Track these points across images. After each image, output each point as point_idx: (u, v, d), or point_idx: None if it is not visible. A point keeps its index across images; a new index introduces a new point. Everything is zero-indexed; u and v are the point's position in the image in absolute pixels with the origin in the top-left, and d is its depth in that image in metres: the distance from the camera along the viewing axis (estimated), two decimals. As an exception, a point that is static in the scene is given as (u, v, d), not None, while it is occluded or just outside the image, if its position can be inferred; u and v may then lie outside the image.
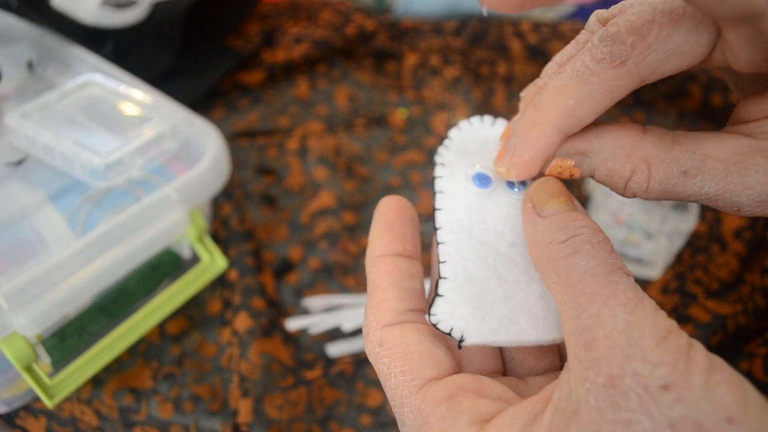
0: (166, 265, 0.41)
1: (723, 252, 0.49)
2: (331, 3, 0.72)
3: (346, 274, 0.49)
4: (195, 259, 0.42)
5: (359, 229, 0.52)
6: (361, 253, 0.51)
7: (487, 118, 0.27)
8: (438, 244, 0.23)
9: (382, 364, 0.22)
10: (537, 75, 0.25)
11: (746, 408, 0.16)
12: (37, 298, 0.33)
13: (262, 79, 0.64)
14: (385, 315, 0.23)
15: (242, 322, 0.44)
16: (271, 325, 0.44)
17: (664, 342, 0.17)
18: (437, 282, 0.23)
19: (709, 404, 0.16)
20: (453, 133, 0.26)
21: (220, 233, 0.50)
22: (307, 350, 0.44)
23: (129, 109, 0.43)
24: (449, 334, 0.21)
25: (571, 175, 0.23)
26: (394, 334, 0.22)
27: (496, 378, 0.22)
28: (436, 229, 0.24)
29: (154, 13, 0.58)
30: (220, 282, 0.47)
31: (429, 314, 0.22)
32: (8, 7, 0.48)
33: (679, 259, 0.49)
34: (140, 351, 0.43)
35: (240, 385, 0.41)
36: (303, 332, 0.45)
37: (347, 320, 0.45)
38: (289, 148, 0.58)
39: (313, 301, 0.46)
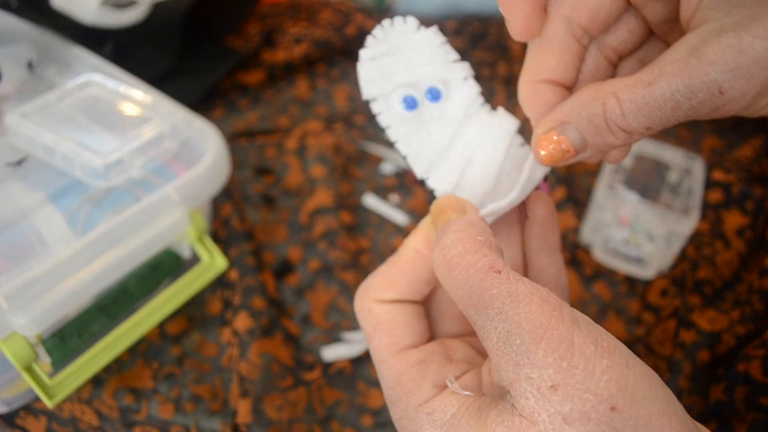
0: (166, 265, 0.41)
1: (727, 249, 0.49)
2: (331, 3, 0.72)
3: (346, 270, 0.49)
4: (195, 259, 0.42)
5: (356, 229, 0.52)
6: (360, 251, 0.51)
7: (411, 21, 0.27)
8: (417, 174, 0.27)
9: (369, 324, 0.25)
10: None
11: (627, 395, 0.18)
12: (37, 298, 0.33)
13: (262, 79, 0.64)
14: (389, 292, 0.26)
15: (242, 322, 0.44)
16: (271, 324, 0.44)
17: (543, 339, 0.19)
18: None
19: (593, 396, 0.18)
20: (369, 48, 0.27)
21: (221, 233, 0.50)
22: (306, 351, 0.44)
23: (129, 109, 0.43)
24: None
25: (564, 150, 0.23)
26: (385, 308, 0.25)
27: (464, 339, 0.27)
28: (404, 157, 0.27)
29: (154, 13, 0.58)
30: (221, 282, 0.47)
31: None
32: (8, 7, 0.48)
33: (683, 256, 0.49)
34: (140, 351, 0.43)
35: (240, 385, 0.41)
36: (303, 333, 0.45)
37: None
38: (287, 147, 0.58)
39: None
